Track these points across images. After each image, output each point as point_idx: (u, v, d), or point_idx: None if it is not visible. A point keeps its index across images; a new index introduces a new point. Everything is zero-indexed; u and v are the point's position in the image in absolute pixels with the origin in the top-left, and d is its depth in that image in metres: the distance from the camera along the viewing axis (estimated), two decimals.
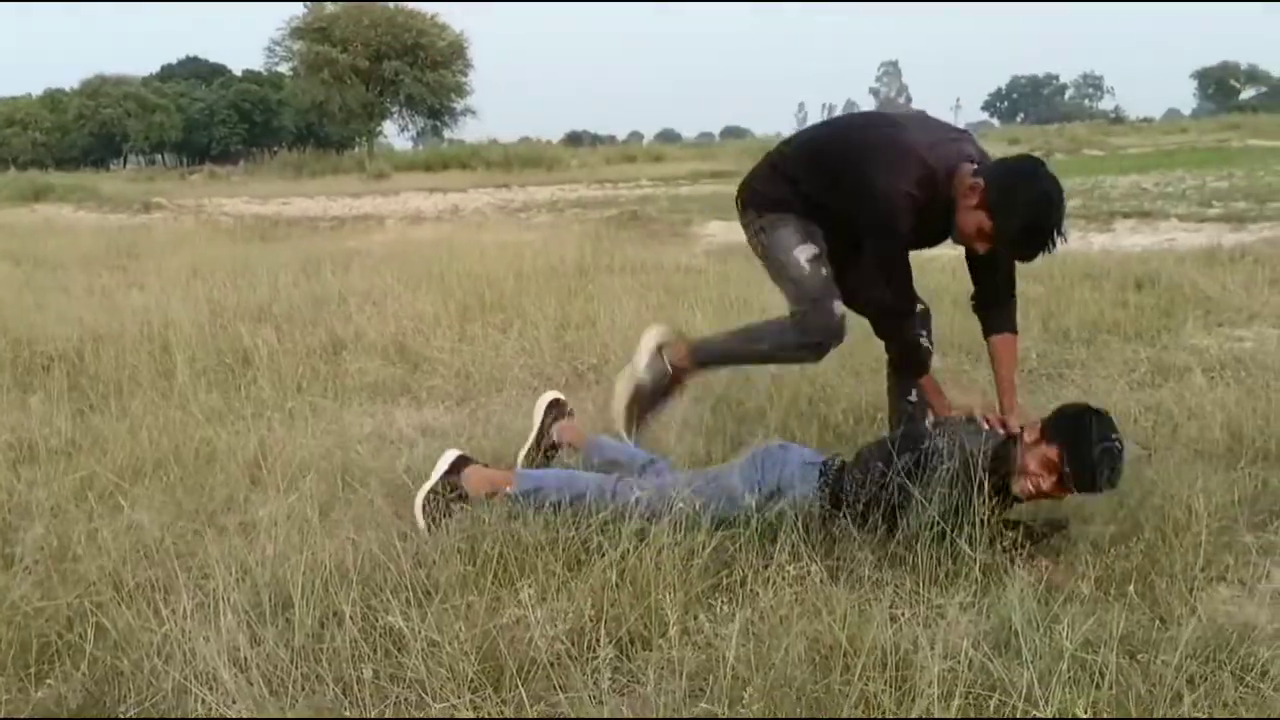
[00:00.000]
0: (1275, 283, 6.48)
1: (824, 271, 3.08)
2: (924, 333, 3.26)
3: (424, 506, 2.92)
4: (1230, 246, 7.92)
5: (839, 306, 3.06)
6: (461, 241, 9.99)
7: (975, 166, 2.92)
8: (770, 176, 3.22)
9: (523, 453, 3.38)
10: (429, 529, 2.84)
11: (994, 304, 3.12)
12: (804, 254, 3.09)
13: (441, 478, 2.99)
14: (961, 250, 3.10)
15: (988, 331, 3.14)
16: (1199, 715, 1.95)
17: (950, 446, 2.59)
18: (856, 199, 2.96)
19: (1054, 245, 2.81)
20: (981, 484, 2.50)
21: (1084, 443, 2.55)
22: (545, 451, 3.39)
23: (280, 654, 2.14)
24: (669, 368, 3.27)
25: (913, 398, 3.26)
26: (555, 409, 3.44)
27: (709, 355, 3.30)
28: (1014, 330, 3.12)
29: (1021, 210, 2.78)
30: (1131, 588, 2.38)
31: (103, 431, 3.75)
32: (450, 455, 3.08)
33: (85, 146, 63.39)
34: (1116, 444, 2.58)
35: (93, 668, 2.17)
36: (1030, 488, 2.62)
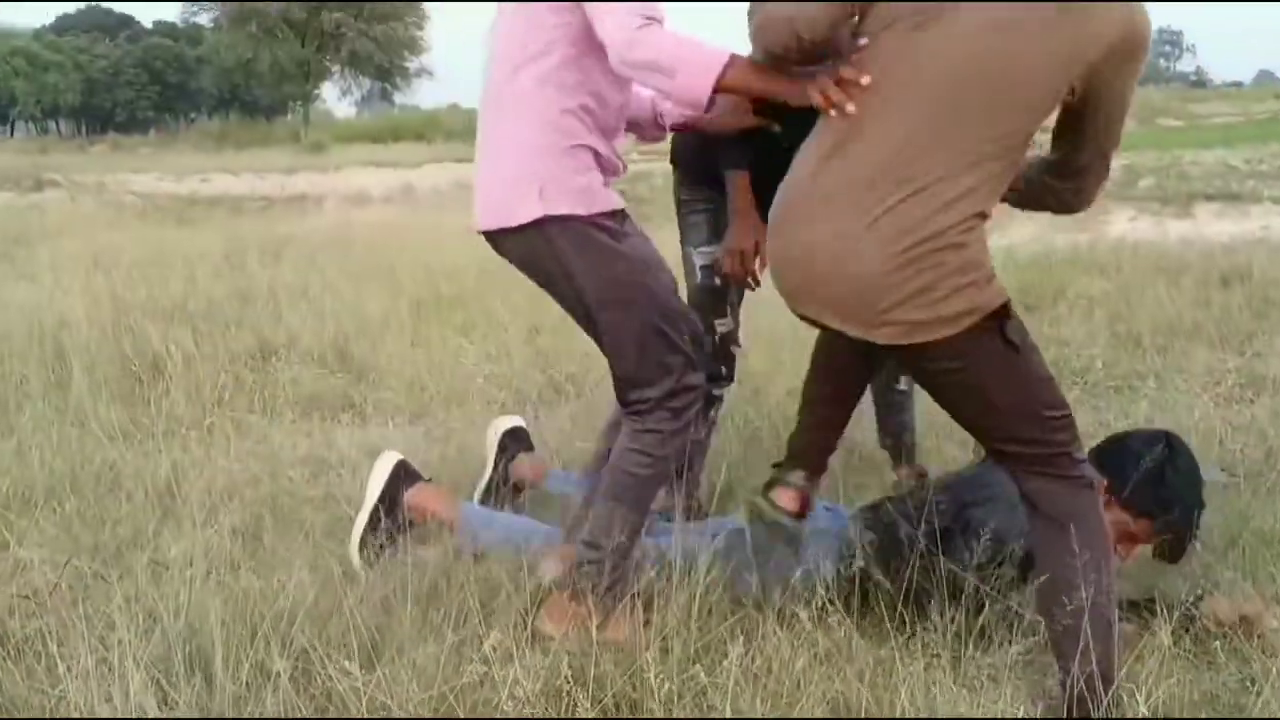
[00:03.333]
0: None
1: (716, 281, 3.20)
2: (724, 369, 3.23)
3: (362, 541, 2.87)
4: None
5: (722, 325, 3.19)
6: (415, 227, 10.00)
7: None
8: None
9: (478, 493, 3.31)
10: (366, 569, 2.81)
11: None
12: (700, 259, 3.29)
13: (381, 499, 2.93)
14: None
15: None
16: None
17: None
18: None
19: None
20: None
21: (1186, 519, 2.54)
22: (506, 493, 3.29)
23: None
24: None
25: (902, 385, 3.39)
26: (513, 441, 3.38)
27: None
28: None
29: None
30: (1217, 643, 2.38)
31: None
32: (387, 464, 3.00)
33: None
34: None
35: None
36: None
